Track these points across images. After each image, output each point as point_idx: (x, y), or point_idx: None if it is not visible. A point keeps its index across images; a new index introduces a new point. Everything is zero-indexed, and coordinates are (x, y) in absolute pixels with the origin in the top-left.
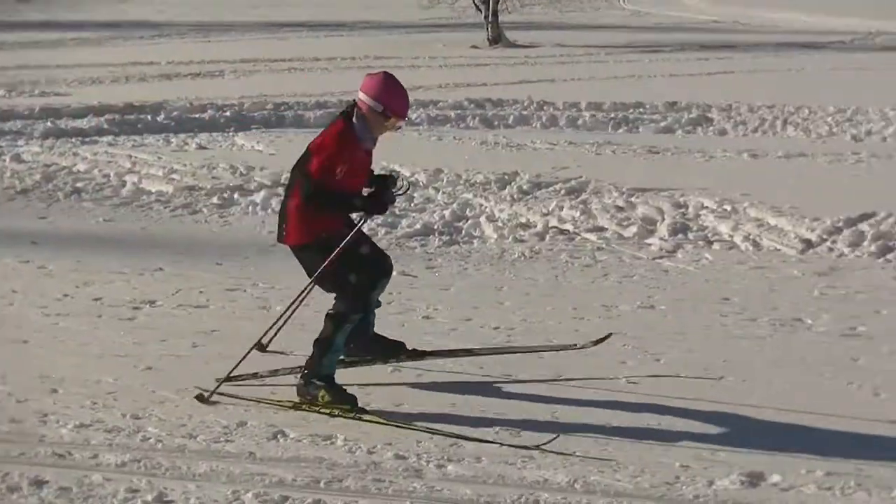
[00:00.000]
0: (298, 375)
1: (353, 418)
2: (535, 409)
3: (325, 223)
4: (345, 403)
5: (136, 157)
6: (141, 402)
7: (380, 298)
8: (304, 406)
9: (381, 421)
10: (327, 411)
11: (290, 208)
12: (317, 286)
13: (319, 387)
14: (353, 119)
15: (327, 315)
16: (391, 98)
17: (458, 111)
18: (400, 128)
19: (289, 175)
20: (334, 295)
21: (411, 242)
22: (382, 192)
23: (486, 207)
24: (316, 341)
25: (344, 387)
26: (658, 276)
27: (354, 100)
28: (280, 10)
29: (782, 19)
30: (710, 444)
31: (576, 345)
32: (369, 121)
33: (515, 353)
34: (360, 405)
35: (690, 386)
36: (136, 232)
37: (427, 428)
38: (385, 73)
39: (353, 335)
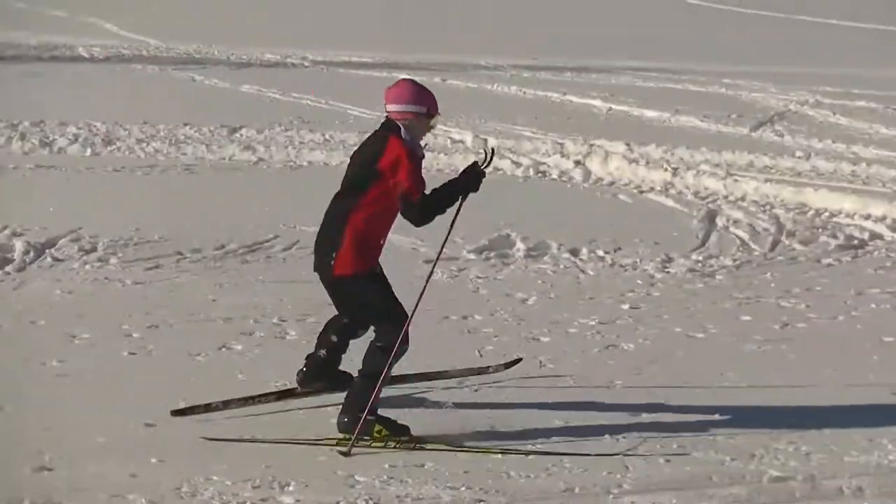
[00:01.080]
0: (340, 412)
1: (413, 448)
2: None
3: (376, 252)
4: (402, 434)
5: None
6: None
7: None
8: (352, 442)
9: (447, 447)
10: (380, 444)
11: (345, 234)
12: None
13: (372, 421)
14: (402, 132)
15: (377, 349)
16: (428, 97)
17: None
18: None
19: (332, 204)
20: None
21: None
22: (472, 168)
23: None
24: (363, 375)
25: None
26: None
27: (387, 116)
28: None
29: None
30: None
31: (489, 368)
32: (415, 127)
33: (429, 378)
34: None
35: None
36: None
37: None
38: (405, 79)
39: (320, 366)
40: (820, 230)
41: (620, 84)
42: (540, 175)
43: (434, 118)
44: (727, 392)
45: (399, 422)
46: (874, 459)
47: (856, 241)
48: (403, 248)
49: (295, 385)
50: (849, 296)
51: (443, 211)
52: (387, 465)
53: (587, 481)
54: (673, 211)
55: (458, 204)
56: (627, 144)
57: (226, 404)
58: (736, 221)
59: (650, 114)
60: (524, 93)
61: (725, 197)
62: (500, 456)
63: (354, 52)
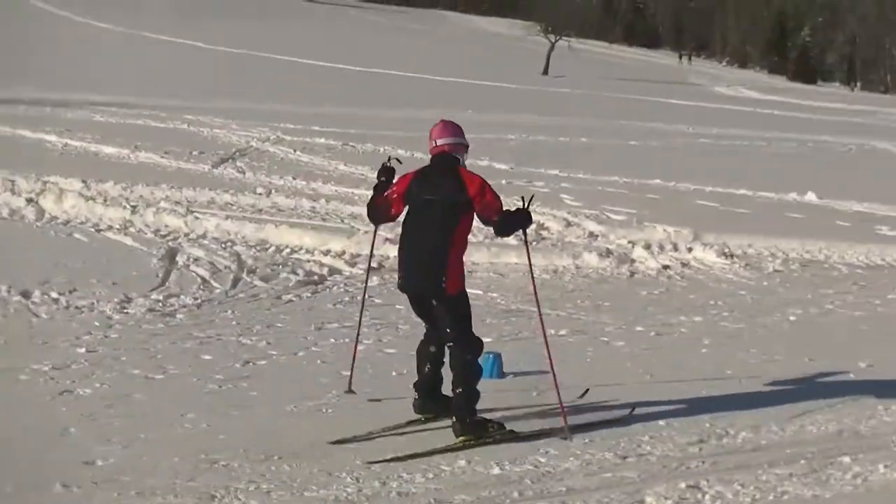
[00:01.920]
0: (454, 421)
1: (512, 439)
2: None
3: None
4: (505, 429)
5: None
6: None
7: None
8: (474, 441)
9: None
10: (490, 439)
11: (449, 256)
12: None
13: (482, 420)
14: (462, 162)
15: (468, 360)
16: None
17: None
18: None
19: (420, 237)
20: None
21: None
22: (526, 209)
23: None
24: (462, 383)
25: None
26: None
27: (444, 149)
28: None
29: None
30: None
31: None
32: (465, 156)
33: None
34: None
35: None
36: None
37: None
38: (446, 119)
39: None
40: (280, 266)
41: (77, 118)
42: None
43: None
44: (187, 432)
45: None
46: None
47: (315, 277)
48: None
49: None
50: (309, 331)
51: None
52: None
53: None
54: (132, 249)
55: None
56: (84, 181)
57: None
58: (197, 259)
59: (109, 150)
60: None
61: (186, 234)
62: None
63: None
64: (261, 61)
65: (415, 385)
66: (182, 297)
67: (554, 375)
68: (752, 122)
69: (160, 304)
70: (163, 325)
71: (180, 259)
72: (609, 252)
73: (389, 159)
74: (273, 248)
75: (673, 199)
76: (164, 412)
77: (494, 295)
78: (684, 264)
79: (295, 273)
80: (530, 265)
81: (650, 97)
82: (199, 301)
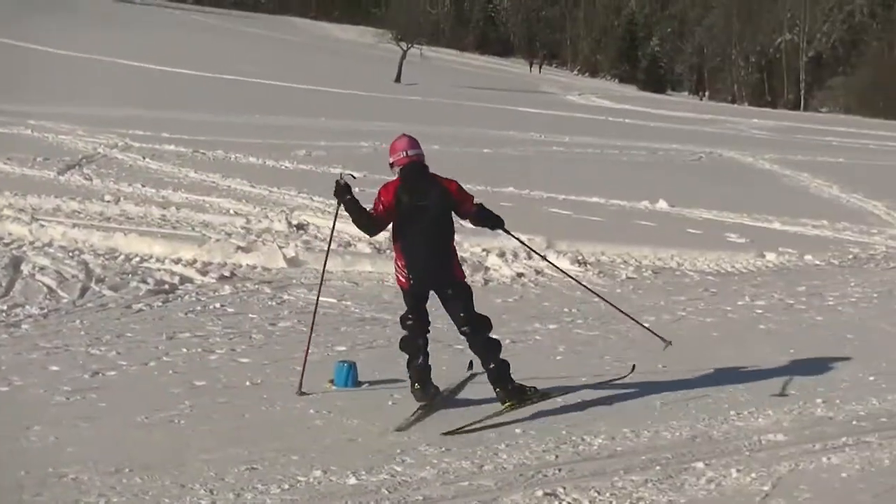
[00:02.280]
0: (498, 391)
1: (546, 398)
2: None
3: None
4: (538, 391)
5: None
6: None
7: None
8: (518, 404)
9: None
10: (529, 401)
11: (452, 249)
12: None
13: (520, 385)
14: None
15: (487, 338)
16: None
17: None
18: None
19: (428, 234)
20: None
21: None
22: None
23: None
24: (492, 359)
25: None
26: None
27: (411, 160)
28: None
29: None
30: None
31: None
32: None
33: None
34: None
35: None
36: None
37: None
38: (405, 133)
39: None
40: (130, 275)
41: None
42: None
43: None
44: (33, 446)
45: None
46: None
47: (166, 286)
48: None
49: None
50: (160, 341)
51: None
52: None
53: None
54: None
55: None
56: None
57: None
58: (42, 268)
59: None
60: None
61: (31, 243)
62: None
63: None
64: (103, 66)
65: (414, 376)
66: (27, 306)
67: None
68: (605, 130)
69: (4, 314)
70: (7, 335)
71: (25, 268)
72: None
73: (342, 175)
74: (122, 257)
75: (527, 207)
76: (9, 425)
77: (348, 303)
78: (538, 272)
79: (145, 282)
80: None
81: (503, 105)
82: (45, 311)
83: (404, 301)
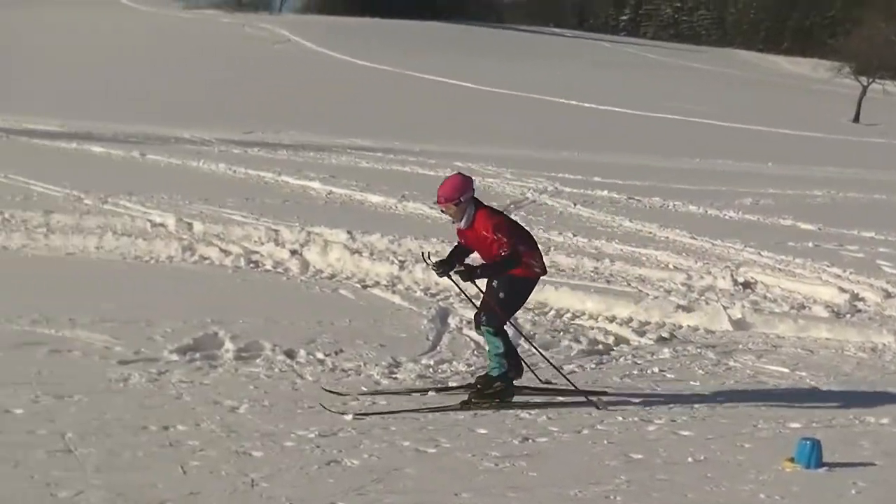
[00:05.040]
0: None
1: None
2: None
3: None
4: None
5: None
6: None
7: None
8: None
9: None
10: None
11: None
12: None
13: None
14: None
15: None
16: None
17: None
18: (443, 211)
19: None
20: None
21: None
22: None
23: None
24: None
25: None
26: None
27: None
28: None
29: None
30: None
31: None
32: None
33: None
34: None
35: None
36: None
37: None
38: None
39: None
40: (561, 333)
41: (341, 164)
42: (252, 265)
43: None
44: None
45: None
46: None
47: (600, 346)
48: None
49: None
50: (592, 408)
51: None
52: None
53: None
54: (400, 308)
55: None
56: (349, 233)
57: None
58: (470, 322)
59: (375, 198)
60: (234, 171)
61: (458, 294)
62: None
63: (39, 119)
64: (534, 104)
65: (516, 367)
66: (455, 362)
67: None
68: None
69: (431, 369)
70: (434, 393)
71: (452, 321)
72: None
73: (431, 264)
74: (553, 312)
75: None
76: (437, 490)
77: (802, 373)
78: None
79: (577, 341)
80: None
81: None
82: (473, 368)
83: (519, 302)
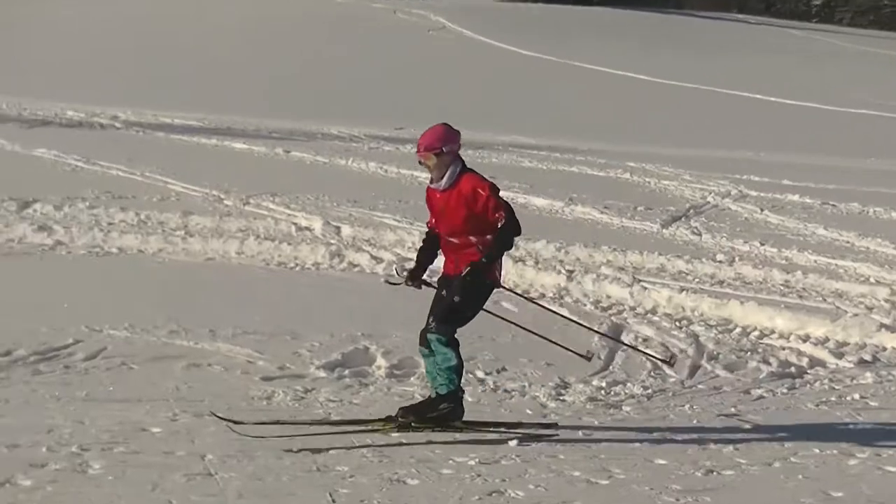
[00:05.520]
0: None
1: None
2: None
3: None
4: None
5: None
6: None
7: None
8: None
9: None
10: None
11: None
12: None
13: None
14: None
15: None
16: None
17: None
18: (420, 163)
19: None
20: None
21: None
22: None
23: None
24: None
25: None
26: None
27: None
28: None
29: None
30: None
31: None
32: None
33: None
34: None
35: None
36: None
37: None
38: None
39: None
40: (749, 353)
41: (503, 164)
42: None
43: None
44: None
45: None
46: None
47: (792, 369)
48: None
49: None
50: (786, 436)
51: None
52: None
53: None
54: (568, 324)
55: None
56: None
57: None
58: (646, 339)
59: (539, 202)
60: (385, 170)
61: (632, 308)
62: None
63: (177, 114)
64: (714, 98)
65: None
66: (629, 384)
67: None
68: None
69: (602, 391)
70: (607, 417)
71: (626, 338)
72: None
73: (402, 270)
74: (738, 330)
75: None
76: None
77: None
78: None
79: (766, 362)
80: None
81: None
82: (649, 391)
83: (473, 309)
